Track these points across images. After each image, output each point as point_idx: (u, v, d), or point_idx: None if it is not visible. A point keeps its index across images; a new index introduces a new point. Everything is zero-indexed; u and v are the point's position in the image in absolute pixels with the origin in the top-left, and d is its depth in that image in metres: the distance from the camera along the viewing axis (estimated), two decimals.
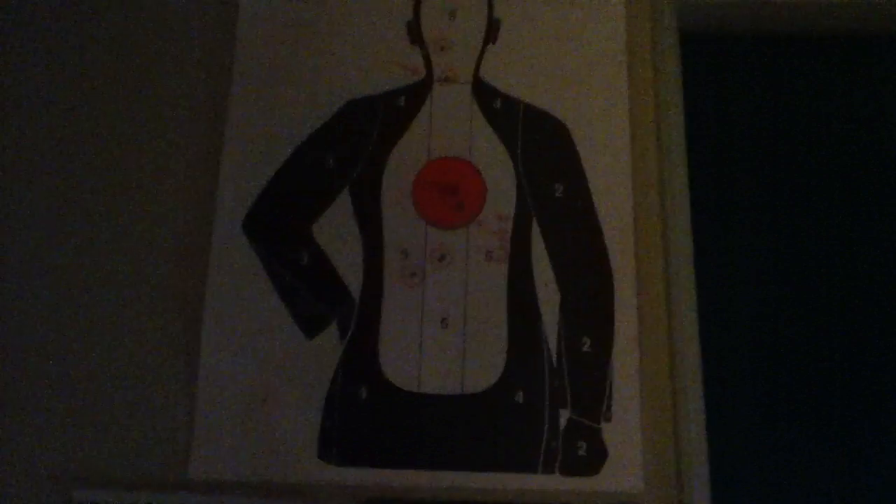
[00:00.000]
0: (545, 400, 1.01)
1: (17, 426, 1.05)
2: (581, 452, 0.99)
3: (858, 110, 1.18)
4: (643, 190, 1.07)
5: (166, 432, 1.04)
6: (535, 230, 1.07)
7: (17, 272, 1.10)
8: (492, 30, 1.13)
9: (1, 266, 1.11)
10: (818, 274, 1.13)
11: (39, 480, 1.03)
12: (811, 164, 1.16)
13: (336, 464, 1.01)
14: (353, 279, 1.06)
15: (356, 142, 1.11)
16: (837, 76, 1.19)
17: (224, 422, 1.03)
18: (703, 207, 1.09)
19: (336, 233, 1.08)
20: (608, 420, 1.00)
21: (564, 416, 1.00)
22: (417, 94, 1.12)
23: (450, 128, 1.10)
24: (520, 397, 1.01)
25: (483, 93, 1.11)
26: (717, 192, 1.13)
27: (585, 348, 1.02)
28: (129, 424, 1.04)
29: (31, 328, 1.08)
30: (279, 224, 1.08)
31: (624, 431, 0.99)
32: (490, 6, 1.14)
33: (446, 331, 1.04)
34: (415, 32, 1.14)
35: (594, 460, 0.98)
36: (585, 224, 1.06)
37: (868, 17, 1.15)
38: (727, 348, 1.08)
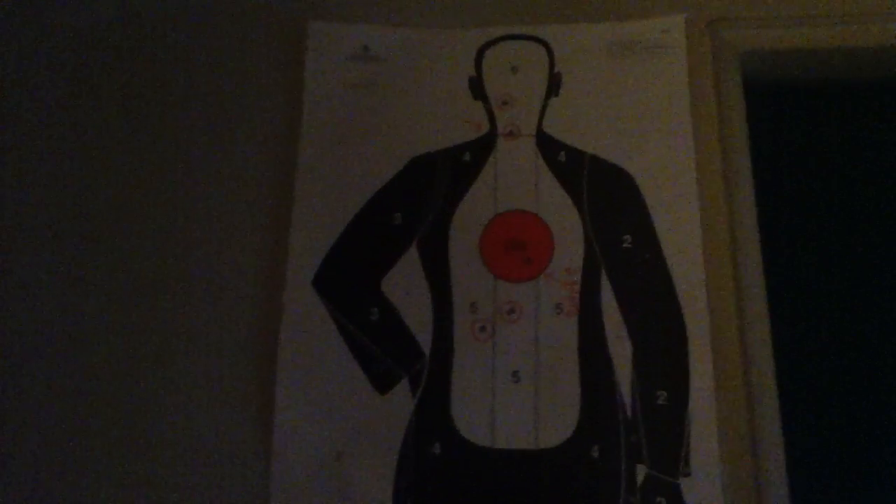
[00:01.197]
0: (621, 454, 1.00)
1: (101, 488, 1.07)
2: None
3: None
4: (713, 240, 1.07)
5: (243, 493, 1.05)
6: (605, 282, 1.07)
7: (96, 340, 1.13)
8: (553, 83, 1.14)
9: (76, 332, 1.14)
10: (891, 323, 1.11)
11: None
12: (881, 213, 1.14)
13: None
14: (424, 334, 1.07)
15: (422, 198, 1.12)
16: None
17: (300, 480, 1.04)
18: (773, 257, 1.08)
19: (405, 289, 1.09)
20: (687, 475, 0.98)
21: (642, 471, 0.99)
22: (482, 148, 1.13)
23: (515, 181, 1.11)
24: (595, 452, 1.00)
25: (547, 146, 1.12)
26: (788, 242, 1.12)
27: (661, 401, 1.01)
28: (207, 487, 1.06)
29: (111, 392, 1.11)
30: (348, 281, 1.10)
31: (704, 486, 0.97)
32: (551, 61, 1.15)
33: (518, 385, 1.04)
34: (477, 88, 1.16)
35: None
36: (655, 275, 1.06)
37: None
38: (806, 400, 1.06)
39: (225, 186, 1.17)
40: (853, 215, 1.15)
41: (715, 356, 1.02)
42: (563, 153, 1.12)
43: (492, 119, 1.14)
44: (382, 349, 1.07)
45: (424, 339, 1.07)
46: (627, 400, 1.02)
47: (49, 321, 1.14)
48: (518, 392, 1.04)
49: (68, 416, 1.10)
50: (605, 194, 1.10)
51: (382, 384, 1.06)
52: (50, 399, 1.11)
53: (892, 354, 1.09)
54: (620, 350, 1.04)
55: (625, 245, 1.08)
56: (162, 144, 1.21)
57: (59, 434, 1.09)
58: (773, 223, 1.10)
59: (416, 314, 1.08)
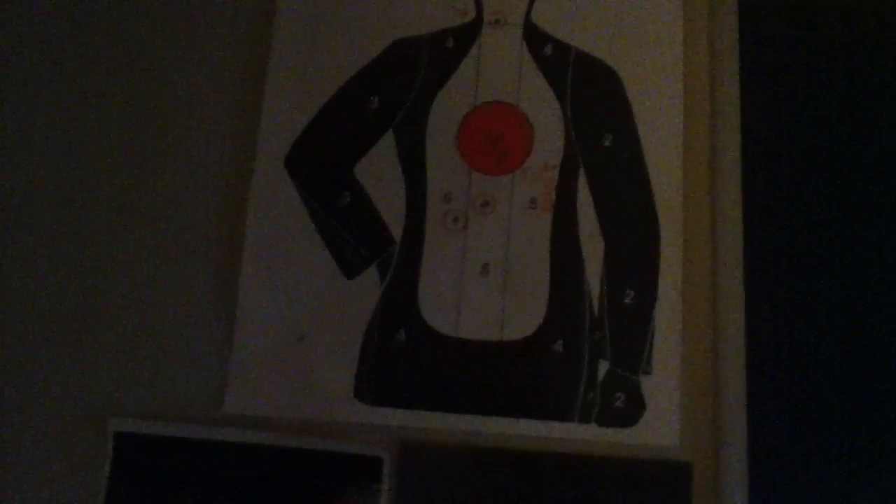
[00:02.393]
0: (585, 350, 1.00)
1: (57, 359, 1.05)
2: (619, 404, 0.99)
3: None
4: (694, 146, 1.05)
5: (203, 368, 1.04)
6: (582, 180, 1.05)
7: (60, 207, 1.10)
8: None
9: (44, 201, 1.10)
10: (868, 235, 1.11)
11: (75, 412, 1.03)
12: (865, 134, 1.14)
13: (371, 403, 1.01)
14: (395, 222, 1.06)
15: (402, 83, 1.08)
16: None
17: (261, 359, 1.03)
18: (754, 166, 1.07)
19: (379, 175, 1.06)
20: (648, 373, 0.99)
21: (604, 367, 1.00)
22: (466, 35, 1.09)
23: (498, 72, 1.08)
24: (559, 346, 1.01)
25: (534, 37, 1.09)
26: (769, 151, 1.11)
27: (628, 300, 1.01)
28: (166, 359, 1.05)
29: (73, 264, 1.08)
30: (321, 163, 1.07)
31: (663, 385, 0.99)
32: None
33: (487, 277, 1.03)
34: None
35: (632, 412, 0.98)
36: (633, 176, 1.04)
37: None
38: (772, 306, 1.06)
39: (196, 61, 1.12)
40: (839, 129, 1.13)
41: (685, 260, 1.02)
42: (549, 46, 1.08)
43: (478, 5, 1.10)
44: (352, 233, 1.05)
45: (396, 226, 1.06)
46: (595, 297, 1.02)
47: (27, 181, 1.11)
48: (486, 284, 1.03)
49: (45, 273, 1.08)
50: (590, 91, 1.07)
51: (350, 268, 1.04)
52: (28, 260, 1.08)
53: (861, 276, 1.10)
54: (592, 248, 1.03)
55: (605, 144, 1.06)
56: (138, 24, 1.15)
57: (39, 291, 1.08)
58: (756, 134, 1.08)
59: (389, 201, 1.06)
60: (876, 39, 1.17)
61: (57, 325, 1.06)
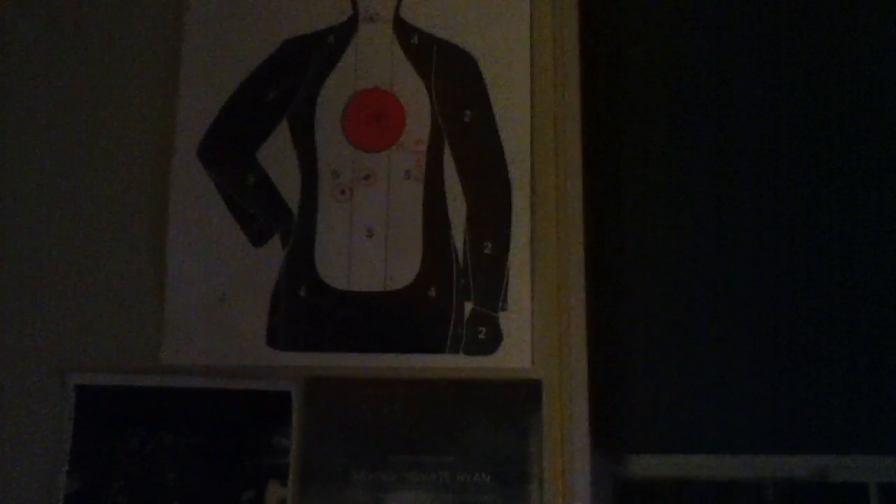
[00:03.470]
0: (453, 294, 1.20)
1: (17, 321, 1.26)
2: (481, 336, 1.19)
3: (760, 50, 1.32)
4: (541, 114, 1.24)
5: (140, 325, 1.25)
6: (447, 152, 1.24)
7: (4, 188, 1.30)
8: None
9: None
10: (706, 179, 1.30)
11: (36, 367, 1.24)
12: (700, 89, 1.31)
13: (281, 349, 1.21)
14: (293, 197, 1.25)
15: (292, 77, 1.27)
16: (744, 18, 1.33)
17: (189, 316, 1.23)
18: (595, 129, 1.25)
19: (277, 158, 1.26)
20: (504, 310, 1.19)
21: (468, 307, 1.20)
22: (345, 32, 1.27)
23: (374, 62, 1.26)
24: (432, 292, 1.21)
25: (403, 30, 1.27)
26: (611, 114, 1.30)
27: (487, 251, 1.21)
28: (110, 319, 1.25)
29: (29, 245, 1.29)
30: (227, 151, 1.27)
31: (517, 319, 1.19)
32: None
33: (371, 239, 1.23)
34: None
35: (492, 343, 1.19)
36: (489, 145, 1.23)
37: None
38: (610, 248, 1.26)
39: (116, 62, 1.31)
40: (673, 99, 1.31)
41: (533, 214, 1.21)
42: (416, 37, 1.26)
43: (354, 5, 1.28)
44: (257, 209, 1.25)
45: (293, 201, 1.25)
46: (460, 250, 1.22)
47: None
48: (371, 244, 1.23)
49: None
50: (451, 74, 1.25)
51: (257, 238, 1.24)
52: None
53: (701, 197, 1.28)
54: (457, 209, 1.23)
55: (465, 119, 1.24)
56: (55, 24, 1.33)
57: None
58: (595, 100, 1.27)
59: (286, 180, 1.25)
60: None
61: (16, 293, 1.27)
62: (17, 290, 1.27)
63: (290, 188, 1.25)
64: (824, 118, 1.29)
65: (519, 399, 1.18)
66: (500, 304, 1.20)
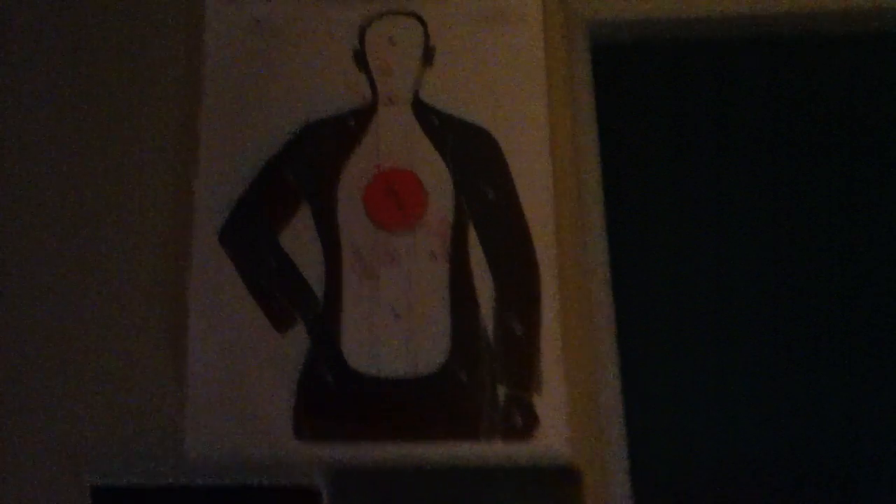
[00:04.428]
0: (485, 377, 1.17)
1: (33, 420, 1.22)
2: (516, 421, 1.15)
3: (758, 108, 1.33)
4: (563, 190, 1.23)
5: (161, 417, 1.21)
6: (472, 230, 1.22)
7: (21, 286, 1.27)
8: (427, 55, 1.28)
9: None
10: (729, 249, 1.28)
11: (54, 468, 1.19)
12: (714, 158, 1.31)
13: (308, 439, 1.17)
14: (317, 279, 1.22)
15: (313, 160, 1.26)
16: (742, 78, 1.34)
17: (212, 407, 1.19)
18: (617, 203, 1.24)
19: (300, 240, 1.24)
20: (539, 392, 1.15)
21: (502, 390, 1.16)
22: (365, 115, 1.27)
23: (395, 144, 1.26)
24: (463, 376, 1.17)
25: (422, 112, 1.26)
26: (630, 187, 1.29)
27: (517, 332, 1.18)
28: (128, 411, 1.21)
29: (47, 335, 1.25)
30: (249, 235, 1.24)
31: (552, 402, 1.15)
32: (426, 34, 1.29)
33: (398, 321, 1.20)
34: (361, 60, 1.29)
35: (528, 428, 1.14)
36: (514, 223, 1.21)
37: (763, 25, 1.29)
38: (641, 324, 1.23)
39: (136, 151, 1.30)
40: (689, 166, 1.31)
41: (562, 293, 1.18)
42: (435, 117, 1.26)
43: (373, 88, 1.28)
44: (280, 294, 1.22)
45: (317, 284, 1.22)
46: (490, 331, 1.18)
47: None
48: (398, 327, 1.20)
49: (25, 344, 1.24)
50: (471, 153, 1.25)
51: (281, 324, 1.21)
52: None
53: (723, 272, 1.26)
54: (484, 289, 1.20)
55: (489, 198, 1.23)
56: (76, 114, 1.32)
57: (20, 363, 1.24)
58: (618, 175, 1.26)
59: (310, 262, 1.23)
60: (722, 69, 1.35)
61: (34, 390, 1.23)
62: (30, 381, 1.23)
63: (314, 271, 1.22)
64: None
65: (557, 488, 1.13)
66: (535, 386, 1.16)
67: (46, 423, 1.21)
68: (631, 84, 1.32)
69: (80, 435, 1.21)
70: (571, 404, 1.15)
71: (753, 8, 1.24)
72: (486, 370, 1.17)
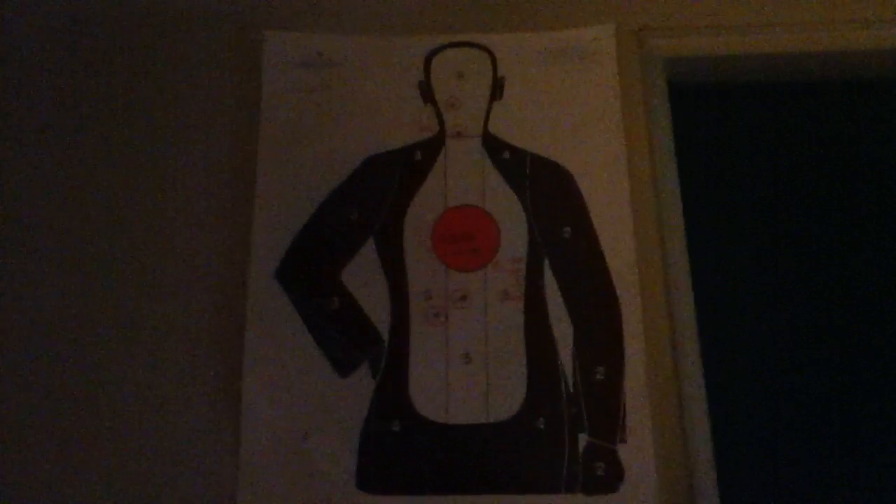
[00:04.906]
0: (565, 425, 1.10)
1: (82, 474, 1.12)
2: (600, 473, 1.08)
3: (842, 151, 1.31)
4: (643, 229, 1.18)
5: (214, 472, 1.12)
6: (547, 270, 1.16)
7: (64, 332, 1.19)
8: (497, 88, 1.24)
9: (41, 323, 1.19)
10: (812, 292, 1.23)
11: None
12: (796, 202, 1.28)
13: (374, 493, 1.09)
14: (382, 321, 1.15)
15: (377, 195, 1.20)
16: (824, 121, 1.32)
17: (268, 459, 1.11)
18: (699, 241, 1.19)
19: (364, 279, 1.17)
20: (623, 441, 1.09)
21: (583, 439, 1.09)
22: (432, 148, 1.22)
23: (463, 178, 1.20)
24: (541, 424, 1.10)
25: (492, 145, 1.22)
26: (712, 225, 1.24)
27: (599, 376, 1.11)
28: (180, 467, 1.12)
29: (81, 385, 1.17)
30: (310, 273, 1.17)
31: (638, 451, 1.08)
32: (494, 66, 1.25)
33: (470, 365, 1.13)
34: (426, 93, 1.24)
35: (612, 479, 1.07)
36: (593, 262, 1.16)
37: (845, 66, 1.28)
38: (729, 369, 1.18)
39: (189, 188, 1.24)
40: (770, 206, 1.27)
41: (647, 335, 1.12)
42: (507, 152, 1.21)
43: (441, 121, 1.23)
44: (343, 336, 1.15)
45: (382, 325, 1.15)
46: (569, 375, 1.12)
47: (20, 316, 1.19)
48: (470, 372, 1.13)
49: (40, 409, 1.15)
50: (546, 189, 1.20)
51: (344, 368, 1.14)
52: (17, 395, 1.16)
53: (811, 314, 1.21)
54: (562, 331, 1.14)
55: (564, 235, 1.18)
56: (128, 149, 1.26)
57: (31, 429, 1.14)
58: (696, 212, 1.21)
59: (375, 303, 1.16)
60: (804, 109, 1.33)
61: (74, 447, 1.14)
62: (77, 431, 1.14)
63: (378, 312, 1.16)
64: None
65: None
66: (619, 434, 1.09)
67: (96, 477, 1.12)
68: (709, 122, 1.29)
69: (126, 492, 1.12)
70: (659, 454, 1.08)
71: (837, 45, 1.22)
72: (566, 417, 1.10)
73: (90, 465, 1.13)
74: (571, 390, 1.11)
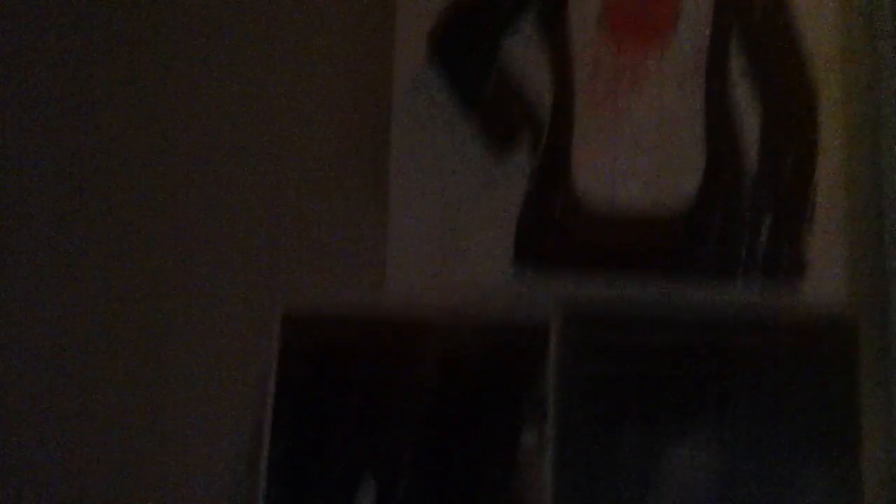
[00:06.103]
0: (746, 212, 1.00)
1: (229, 247, 1.10)
2: (782, 263, 0.99)
3: None
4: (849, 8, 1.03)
5: (363, 248, 1.07)
6: (735, 47, 1.04)
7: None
8: None
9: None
10: None
11: (248, 297, 1.08)
12: None
13: (531, 269, 1.03)
14: (543, 97, 1.06)
15: None
16: None
17: (418, 241, 1.05)
18: None
19: (524, 50, 1.06)
20: (810, 230, 0.99)
21: (766, 226, 1.00)
22: None
23: None
24: (719, 208, 1.01)
25: None
26: None
27: (787, 161, 1.01)
28: (327, 241, 1.08)
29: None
30: (465, 39, 1.07)
31: (826, 241, 0.98)
32: None
33: (641, 149, 1.03)
34: None
35: (795, 270, 0.98)
36: (788, 42, 1.02)
37: None
38: None
39: None
40: None
41: (846, 117, 1.00)
42: None
43: None
44: (500, 111, 1.06)
45: (544, 103, 1.06)
46: (755, 161, 1.01)
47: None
48: (641, 156, 1.03)
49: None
50: None
51: (500, 146, 1.05)
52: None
53: None
54: (748, 115, 1.02)
55: (755, 10, 1.04)
56: None
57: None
58: None
59: (536, 76, 1.06)
60: None
61: (227, 215, 1.11)
62: (222, 205, 1.11)
63: (540, 87, 1.05)
64: None
65: (828, 341, 0.98)
66: (806, 223, 0.99)
67: (241, 251, 1.09)
68: None
69: (273, 264, 1.08)
70: (849, 246, 0.99)
71: None
72: (748, 202, 1.01)
73: (244, 231, 1.10)
74: (756, 174, 1.01)
